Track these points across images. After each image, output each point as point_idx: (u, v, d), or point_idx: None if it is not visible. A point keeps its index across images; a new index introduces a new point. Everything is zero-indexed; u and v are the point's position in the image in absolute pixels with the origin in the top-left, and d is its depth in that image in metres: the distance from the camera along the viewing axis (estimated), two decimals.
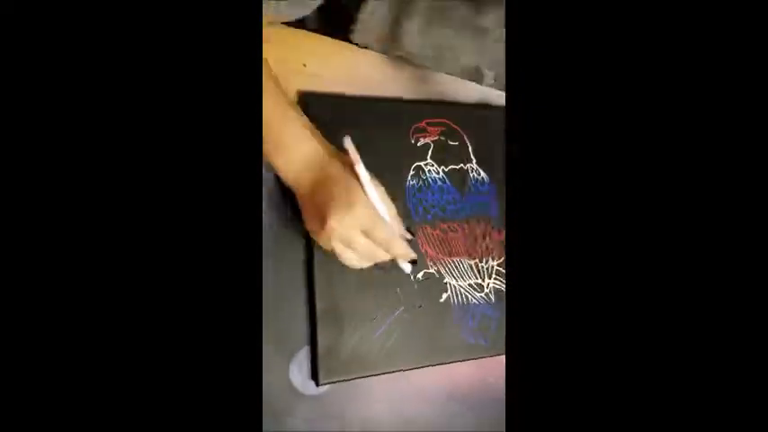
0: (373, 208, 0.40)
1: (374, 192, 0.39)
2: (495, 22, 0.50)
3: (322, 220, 0.39)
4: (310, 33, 0.50)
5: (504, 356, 0.53)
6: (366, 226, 0.39)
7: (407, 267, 0.46)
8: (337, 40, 0.52)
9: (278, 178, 0.43)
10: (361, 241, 0.40)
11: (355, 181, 0.39)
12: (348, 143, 0.39)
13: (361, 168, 0.38)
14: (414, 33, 0.50)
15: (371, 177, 0.40)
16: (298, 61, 0.48)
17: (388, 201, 0.42)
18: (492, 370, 0.53)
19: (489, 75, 0.55)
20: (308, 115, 0.47)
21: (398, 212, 0.43)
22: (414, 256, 0.44)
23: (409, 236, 0.45)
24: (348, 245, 0.40)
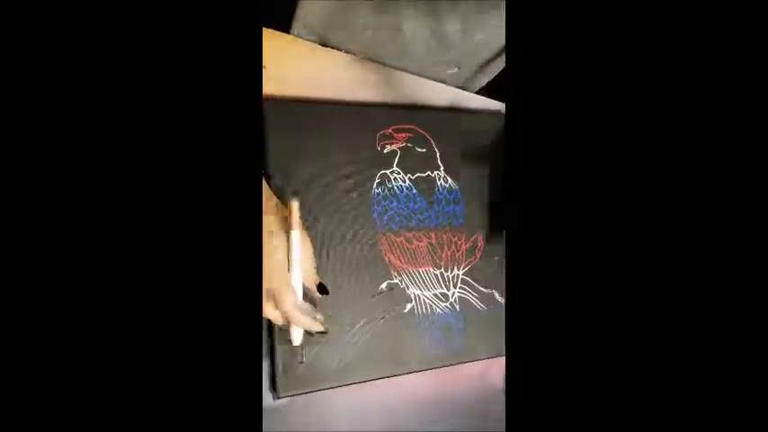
0: (286, 278, 0.39)
1: (297, 258, 0.38)
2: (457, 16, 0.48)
3: None
4: (273, 32, 0.48)
5: (466, 366, 0.53)
6: (274, 294, 0.38)
7: (297, 339, 0.42)
8: (301, 40, 0.50)
9: None
10: (269, 310, 0.39)
11: (269, 245, 0.37)
12: (294, 207, 0.38)
13: (295, 235, 0.37)
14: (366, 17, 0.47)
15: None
16: None
17: (310, 259, 0.41)
18: (456, 380, 0.53)
19: (452, 69, 0.54)
20: (270, 121, 0.46)
21: (363, 221, 0.42)
22: (320, 329, 0.41)
23: (318, 295, 0.43)
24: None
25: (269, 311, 0.40)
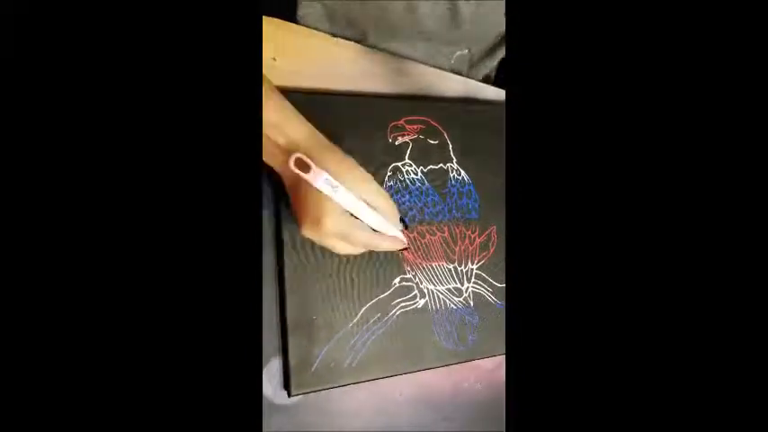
0: (346, 215, 0.38)
1: (348, 201, 0.37)
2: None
3: (299, 222, 0.38)
4: (282, 23, 0.47)
5: (481, 361, 0.52)
6: (341, 234, 0.38)
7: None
8: (312, 30, 0.49)
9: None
10: (339, 245, 0.39)
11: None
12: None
13: (339, 196, 0.37)
14: None
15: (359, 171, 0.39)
16: (266, 55, 0.45)
17: (375, 193, 0.39)
18: (468, 375, 0.52)
19: (461, 50, 0.52)
20: None
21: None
22: (402, 245, 0.43)
23: (401, 227, 0.43)
24: (331, 245, 0.39)
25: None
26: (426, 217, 0.49)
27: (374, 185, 0.39)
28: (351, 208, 0.38)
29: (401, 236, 0.42)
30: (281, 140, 0.37)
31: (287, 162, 0.36)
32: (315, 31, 0.49)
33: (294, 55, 0.47)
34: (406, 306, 0.48)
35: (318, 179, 0.35)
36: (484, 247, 0.52)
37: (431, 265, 0.49)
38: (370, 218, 0.39)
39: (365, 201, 0.38)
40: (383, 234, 0.41)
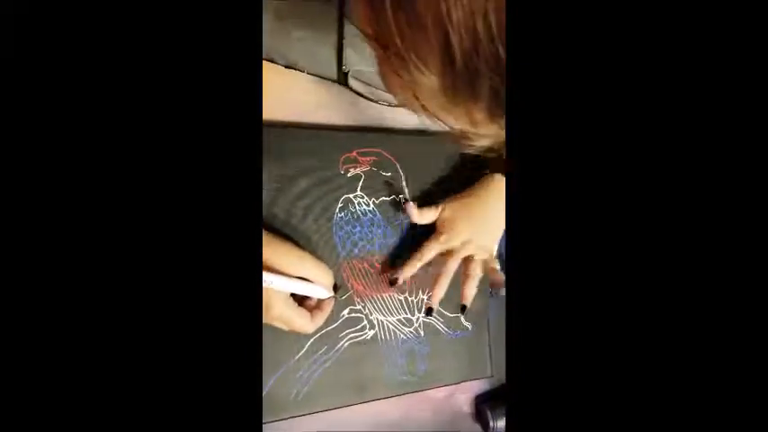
0: (288, 304, 0.41)
1: (283, 287, 0.41)
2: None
3: None
4: None
5: (432, 391, 0.52)
6: (283, 321, 0.42)
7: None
8: (264, 61, 0.49)
9: None
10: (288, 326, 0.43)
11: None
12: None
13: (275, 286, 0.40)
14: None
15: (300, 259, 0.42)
16: None
17: (310, 268, 0.42)
18: (419, 405, 0.52)
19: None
20: None
21: (325, 247, 0.44)
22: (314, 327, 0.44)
23: (330, 294, 0.45)
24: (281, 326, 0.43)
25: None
26: (377, 248, 0.50)
27: (308, 261, 0.42)
28: (289, 290, 0.41)
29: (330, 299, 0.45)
30: None
31: None
32: (267, 62, 0.49)
33: None
34: (354, 337, 0.48)
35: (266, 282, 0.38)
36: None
37: (381, 296, 0.49)
38: (308, 291, 0.42)
39: (302, 277, 0.42)
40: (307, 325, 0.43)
